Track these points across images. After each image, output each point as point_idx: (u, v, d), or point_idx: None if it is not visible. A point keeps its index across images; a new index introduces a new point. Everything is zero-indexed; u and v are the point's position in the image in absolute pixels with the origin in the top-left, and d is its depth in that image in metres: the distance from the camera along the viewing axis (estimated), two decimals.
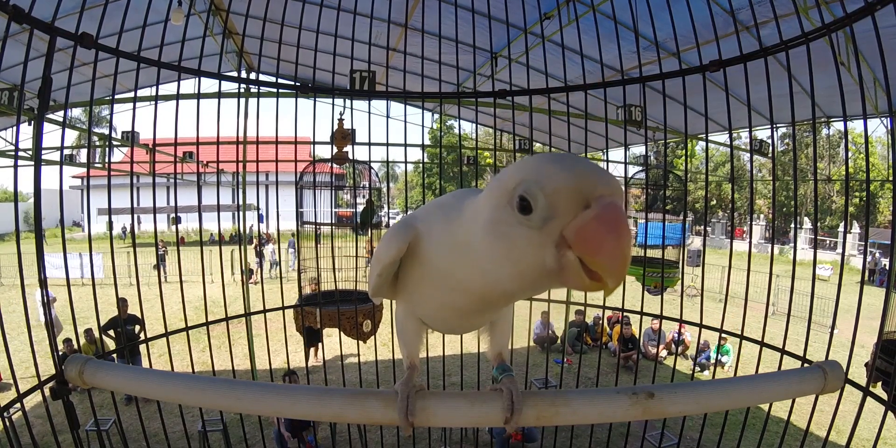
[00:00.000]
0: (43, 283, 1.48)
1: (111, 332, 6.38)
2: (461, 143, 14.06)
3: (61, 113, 5.68)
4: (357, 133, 4.87)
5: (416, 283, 0.88)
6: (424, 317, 0.99)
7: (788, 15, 3.65)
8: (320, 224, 4.32)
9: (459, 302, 0.81)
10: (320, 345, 5.56)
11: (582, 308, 8.37)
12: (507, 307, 1.01)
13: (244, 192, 7.21)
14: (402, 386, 0.94)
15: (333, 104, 4.08)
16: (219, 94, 2.86)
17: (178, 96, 2.45)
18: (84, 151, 10.27)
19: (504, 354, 1.02)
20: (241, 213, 6.58)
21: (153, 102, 2.67)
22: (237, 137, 3.65)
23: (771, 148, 7.15)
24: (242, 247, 6.58)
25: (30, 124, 6.46)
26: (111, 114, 3.44)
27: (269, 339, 3.19)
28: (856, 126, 21.31)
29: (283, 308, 3.12)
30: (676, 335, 8.10)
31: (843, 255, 2.24)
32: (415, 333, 1.01)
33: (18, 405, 1.63)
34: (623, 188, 0.54)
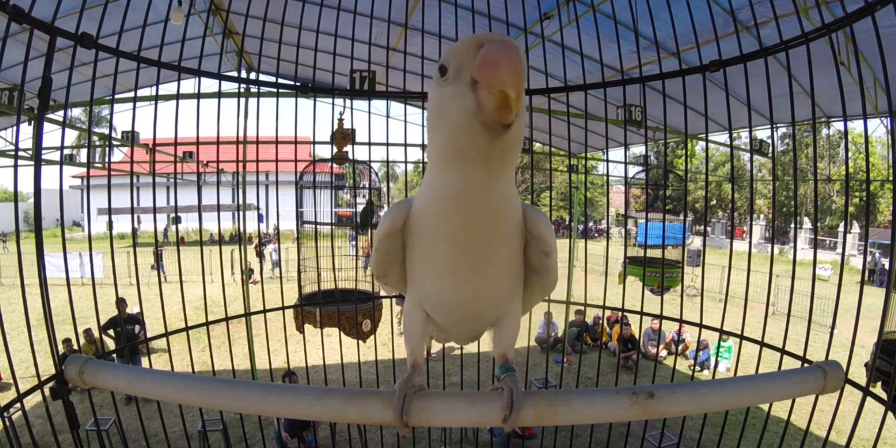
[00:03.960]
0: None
1: (111, 332, 6.38)
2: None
3: (61, 113, 5.68)
4: (357, 133, 4.87)
5: (419, 260, 0.91)
6: (429, 305, 0.99)
7: (788, 15, 3.65)
8: (320, 224, 4.32)
9: (456, 263, 0.85)
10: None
11: (582, 308, 8.37)
12: (512, 305, 1.00)
13: (244, 192, 7.21)
14: (400, 385, 0.94)
15: (333, 104, 4.08)
16: (219, 94, 2.86)
17: (178, 96, 2.45)
18: (84, 151, 10.28)
19: (509, 355, 1.01)
20: (241, 213, 6.57)
21: (153, 102, 2.67)
22: (237, 137, 3.65)
23: (771, 148, 7.15)
24: (242, 247, 6.58)
25: (30, 124, 6.46)
26: (111, 114, 3.45)
27: (269, 339, 3.19)
28: (856, 126, 21.29)
29: (283, 308, 3.12)
30: (676, 335, 8.10)
31: (843, 255, 2.24)
32: (421, 326, 1.01)
33: (18, 405, 1.63)
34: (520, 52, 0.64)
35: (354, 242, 4.54)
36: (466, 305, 0.94)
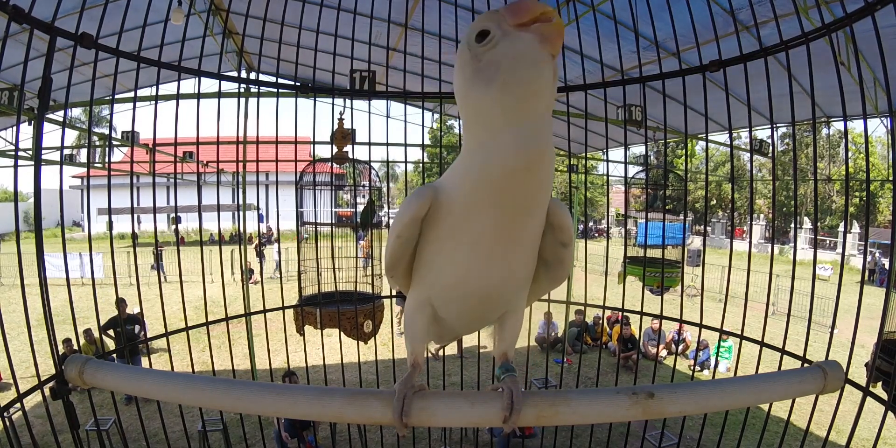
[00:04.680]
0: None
1: (111, 332, 6.38)
2: (461, 143, 14.03)
3: (61, 113, 5.68)
4: (357, 133, 4.87)
5: (439, 247, 0.88)
6: (443, 297, 0.96)
7: (788, 15, 3.65)
8: (320, 224, 4.32)
9: (494, 240, 0.83)
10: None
11: (582, 308, 8.37)
12: (520, 300, 1.00)
13: (244, 192, 7.21)
14: (400, 385, 0.93)
15: (333, 104, 4.08)
16: (219, 94, 2.86)
17: (178, 96, 2.45)
18: (84, 151, 10.27)
19: (509, 354, 1.01)
20: (241, 213, 6.57)
21: (153, 102, 2.67)
22: (237, 137, 3.65)
23: (771, 148, 7.15)
24: (242, 247, 6.58)
25: (30, 124, 6.46)
26: (111, 114, 3.44)
27: (269, 339, 3.19)
28: (856, 126, 21.31)
29: (283, 308, 3.12)
30: (676, 335, 8.10)
31: (843, 255, 2.24)
32: (424, 325, 0.99)
33: (18, 405, 1.63)
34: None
35: (361, 242, 4.54)
36: (487, 291, 0.91)
